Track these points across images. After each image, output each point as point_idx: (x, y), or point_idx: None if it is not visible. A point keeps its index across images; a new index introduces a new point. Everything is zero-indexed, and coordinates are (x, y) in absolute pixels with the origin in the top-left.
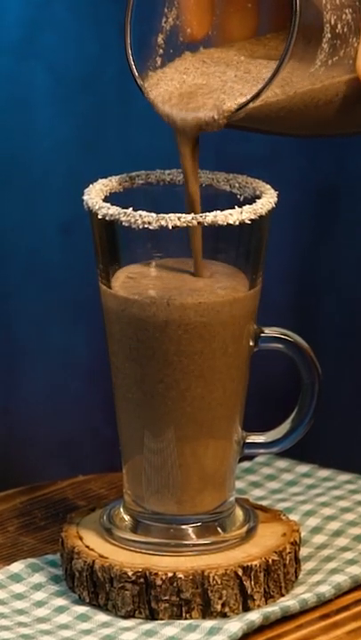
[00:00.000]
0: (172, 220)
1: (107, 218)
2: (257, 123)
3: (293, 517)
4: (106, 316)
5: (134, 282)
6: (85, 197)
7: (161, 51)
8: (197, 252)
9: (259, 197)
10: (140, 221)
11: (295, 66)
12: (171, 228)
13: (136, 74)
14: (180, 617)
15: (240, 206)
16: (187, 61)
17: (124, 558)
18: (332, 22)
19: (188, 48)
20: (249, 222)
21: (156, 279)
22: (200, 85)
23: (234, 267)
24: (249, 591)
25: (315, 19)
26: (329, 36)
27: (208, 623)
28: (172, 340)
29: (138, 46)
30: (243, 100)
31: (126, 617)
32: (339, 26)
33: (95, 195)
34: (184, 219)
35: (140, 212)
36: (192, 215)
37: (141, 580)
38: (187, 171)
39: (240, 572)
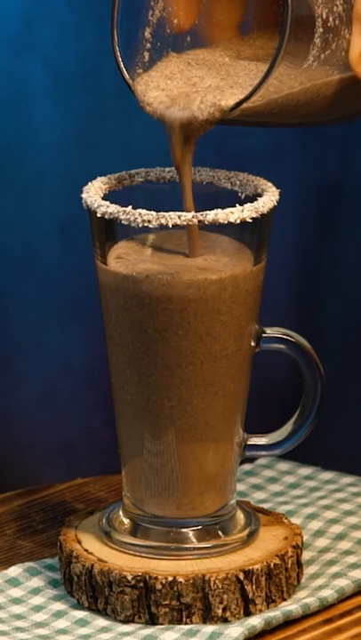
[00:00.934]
0: (173, 218)
1: (106, 216)
2: (243, 118)
3: (295, 520)
4: (104, 306)
5: (131, 258)
6: (84, 195)
7: (148, 45)
8: (193, 238)
9: (260, 195)
10: (139, 220)
11: (287, 66)
12: (171, 226)
13: (127, 76)
14: (180, 622)
15: (241, 204)
16: (172, 63)
17: (124, 562)
18: (324, 16)
19: (175, 41)
20: (250, 221)
21: (154, 255)
22: (182, 92)
23: (238, 241)
24: (250, 595)
25: (306, 15)
26: (321, 30)
27: (209, 628)
28: (173, 341)
29: (126, 42)
30: (216, 114)
31: (126, 622)
32: (330, 19)
33: (94, 193)
34: (184, 217)
35: (139, 210)
36: (192, 214)
37: (141, 584)
38: (179, 172)
39: (241, 576)
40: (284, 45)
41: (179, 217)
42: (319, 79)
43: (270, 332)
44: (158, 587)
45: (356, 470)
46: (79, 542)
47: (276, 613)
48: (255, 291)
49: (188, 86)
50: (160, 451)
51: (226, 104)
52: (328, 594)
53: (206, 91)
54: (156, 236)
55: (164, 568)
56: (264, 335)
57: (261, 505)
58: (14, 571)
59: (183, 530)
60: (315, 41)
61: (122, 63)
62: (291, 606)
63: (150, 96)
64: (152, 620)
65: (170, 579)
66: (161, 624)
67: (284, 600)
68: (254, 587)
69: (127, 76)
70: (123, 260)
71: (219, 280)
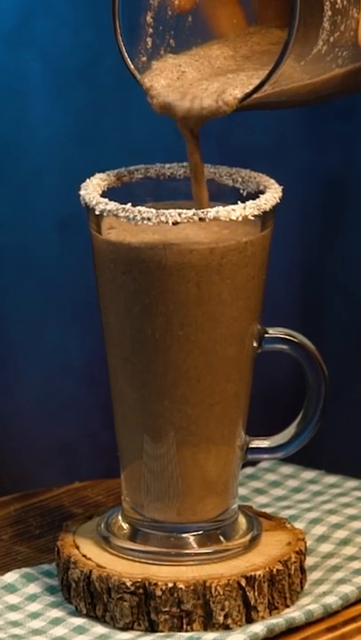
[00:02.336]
0: (173, 215)
1: (104, 214)
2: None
3: (299, 525)
4: (103, 306)
5: (129, 228)
6: (82, 192)
7: (150, 30)
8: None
9: (262, 192)
10: (138, 217)
11: (297, 53)
12: (171, 224)
13: (131, 65)
14: (180, 629)
15: (243, 201)
16: (168, 64)
17: (123, 568)
18: None
19: (177, 23)
20: (252, 218)
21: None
22: (188, 86)
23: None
24: (252, 602)
25: (315, 2)
26: (330, 13)
27: (210, 635)
28: (173, 342)
29: (128, 30)
30: (227, 106)
31: (125, 629)
32: (338, 0)
33: (92, 190)
34: (185, 215)
35: (138, 207)
36: (193, 211)
37: (140, 590)
38: (192, 164)
39: (243, 583)
40: (293, 34)
41: (179, 214)
42: (328, 65)
43: (273, 332)
44: (158, 593)
45: (358, 471)
46: (77, 548)
47: (278, 620)
48: (264, 243)
49: (191, 83)
50: (160, 454)
51: (235, 94)
52: (332, 600)
53: (214, 84)
54: (155, 206)
55: (164, 574)
56: (266, 335)
57: (264, 509)
58: (11, 577)
59: (184, 535)
60: (324, 25)
61: (125, 52)
62: (294, 613)
63: (158, 88)
64: (152, 628)
65: (170, 585)
66: (161, 631)
67: (287, 607)
68: (256, 593)
69: (132, 66)
70: (116, 229)
71: (218, 247)
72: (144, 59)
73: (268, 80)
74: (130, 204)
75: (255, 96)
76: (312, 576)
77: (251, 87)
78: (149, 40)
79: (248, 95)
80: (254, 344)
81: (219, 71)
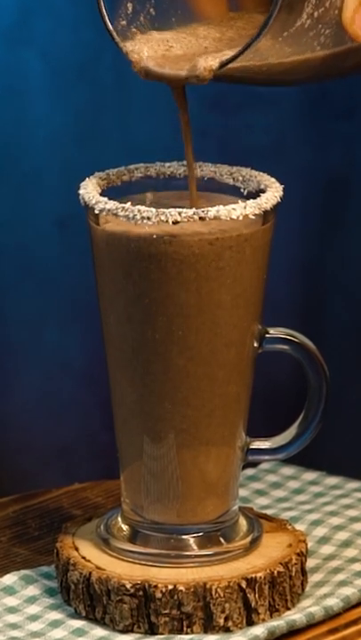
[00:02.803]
0: (173, 215)
1: (104, 213)
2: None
3: (300, 527)
4: (102, 307)
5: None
6: (82, 191)
7: None
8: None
9: (263, 191)
10: (138, 217)
11: (281, 23)
12: (171, 223)
13: (110, 27)
14: (180, 631)
15: (244, 200)
16: (154, 40)
17: (123, 570)
18: None
19: None
20: (253, 217)
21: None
22: (173, 54)
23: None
24: (253, 604)
25: None
26: None
27: (210, 638)
28: (173, 342)
29: None
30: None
31: (124, 631)
32: None
33: (92, 189)
34: (185, 214)
35: (138, 206)
36: (193, 210)
37: (140, 592)
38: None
39: (244, 585)
40: (274, 14)
41: (179, 213)
42: (310, 43)
43: (274, 332)
44: (158, 595)
45: (360, 472)
46: (76, 549)
47: (279, 623)
48: (266, 236)
49: (177, 57)
50: (160, 455)
51: (210, 64)
52: (333, 602)
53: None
54: (153, 197)
55: (164, 576)
56: (267, 336)
57: (265, 511)
58: (9, 579)
59: (184, 537)
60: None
61: (105, 12)
62: (295, 615)
63: (139, 54)
64: (152, 630)
65: (170, 587)
66: (161, 634)
67: (288, 609)
68: (257, 595)
69: (110, 26)
70: (111, 223)
71: (218, 240)
72: (123, 22)
73: (250, 46)
74: (129, 203)
75: (234, 65)
76: (313, 578)
77: (230, 55)
78: (130, 5)
79: (228, 62)
80: (255, 344)
81: (206, 51)
